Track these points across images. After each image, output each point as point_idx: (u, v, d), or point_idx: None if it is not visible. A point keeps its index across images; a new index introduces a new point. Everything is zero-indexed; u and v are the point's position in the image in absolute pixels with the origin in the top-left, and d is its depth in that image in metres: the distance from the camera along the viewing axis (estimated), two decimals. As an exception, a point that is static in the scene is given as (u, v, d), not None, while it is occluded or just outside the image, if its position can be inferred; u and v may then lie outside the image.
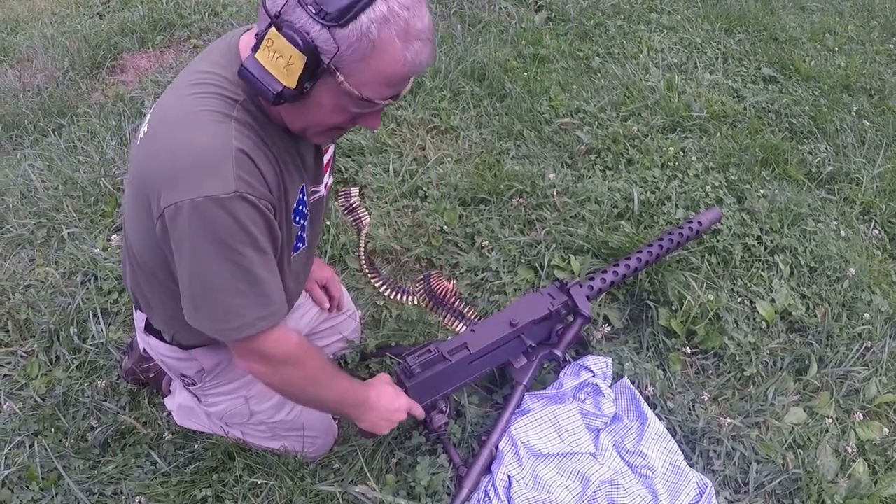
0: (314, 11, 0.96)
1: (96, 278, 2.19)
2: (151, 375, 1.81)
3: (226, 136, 1.05)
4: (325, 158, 1.38)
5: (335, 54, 0.98)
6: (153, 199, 1.08)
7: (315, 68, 1.00)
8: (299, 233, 1.33)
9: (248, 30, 1.16)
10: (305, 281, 1.58)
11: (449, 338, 1.65)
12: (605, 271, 1.80)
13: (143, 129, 1.17)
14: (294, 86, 1.01)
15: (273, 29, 0.98)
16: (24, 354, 2.01)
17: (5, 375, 1.97)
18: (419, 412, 1.51)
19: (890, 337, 2.01)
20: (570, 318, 1.75)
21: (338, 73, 1.01)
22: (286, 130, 1.17)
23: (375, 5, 0.96)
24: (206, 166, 1.03)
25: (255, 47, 1.02)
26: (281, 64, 0.99)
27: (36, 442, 1.75)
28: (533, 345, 1.65)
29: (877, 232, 2.46)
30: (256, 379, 1.28)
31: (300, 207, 1.29)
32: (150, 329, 1.43)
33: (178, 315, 1.21)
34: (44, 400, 1.87)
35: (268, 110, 1.13)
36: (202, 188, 1.02)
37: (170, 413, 1.79)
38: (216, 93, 1.09)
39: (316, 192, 1.36)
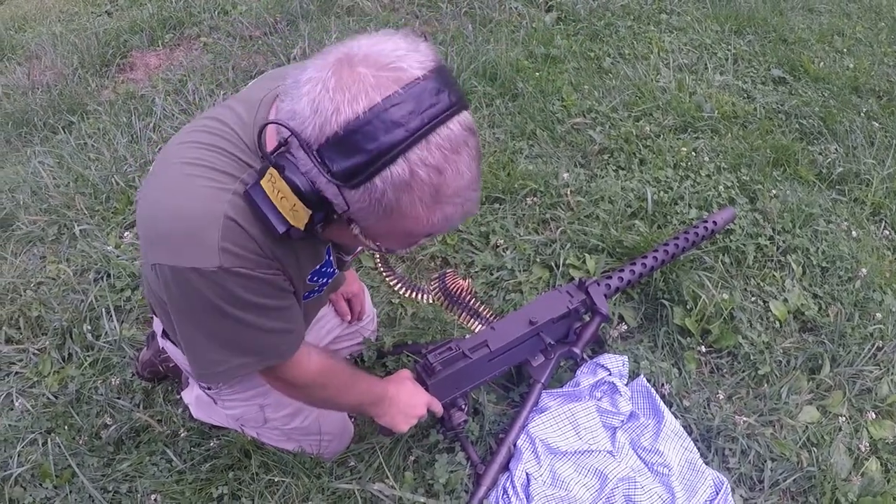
0: (318, 161, 0.81)
1: (109, 275, 2.19)
2: (171, 365, 1.79)
3: (218, 201, 0.92)
4: None
5: (346, 211, 0.86)
6: (144, 246, 1.02)
7: (326, 216, 0.89)
8: (315, 289, 1.23)
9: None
10: (318, 312, 1.56)
11: (466, 336, 1.65)
12: (622, 270, 1.80)
13: (153, 165, 1.09)
14: (302, 228, 0.89)
15: (273, 168, 0.85)
16: (36, 352, 2.01)
17: (17, 373, 1.97)
18: (438, 408, 1.51)
19: (901, 337, 2.02)
20: (588, 317, 1.75)
21: (353, 225, 0.90)
22: None
23: (394, 168, 0.80)
24: (186, 234, 0.92)
25: (260, 174, 0.89)
26: (286, 205, 0.87)
27: (49, 439, 1.74)
28: (551, 343, 1.65)
29: (887, 233, 2.46)
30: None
31: (324, 269, 1.18)
32: (167, 335, 1.40)
33: None
34: (56, 397, 1.86)
35: None
36: (182, 258, 0.92)
37: (185, 409, 1.78)
38: (223, 152, 0.97)
39: (345, 258, 1.28)
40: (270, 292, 1.01)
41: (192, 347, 1.06)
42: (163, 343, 1.46)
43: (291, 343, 1.12)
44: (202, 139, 0.98)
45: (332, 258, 1.19)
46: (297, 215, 0.87)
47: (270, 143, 0.91)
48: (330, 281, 1.26)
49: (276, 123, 0.83)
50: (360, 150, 0.78)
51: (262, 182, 0.88)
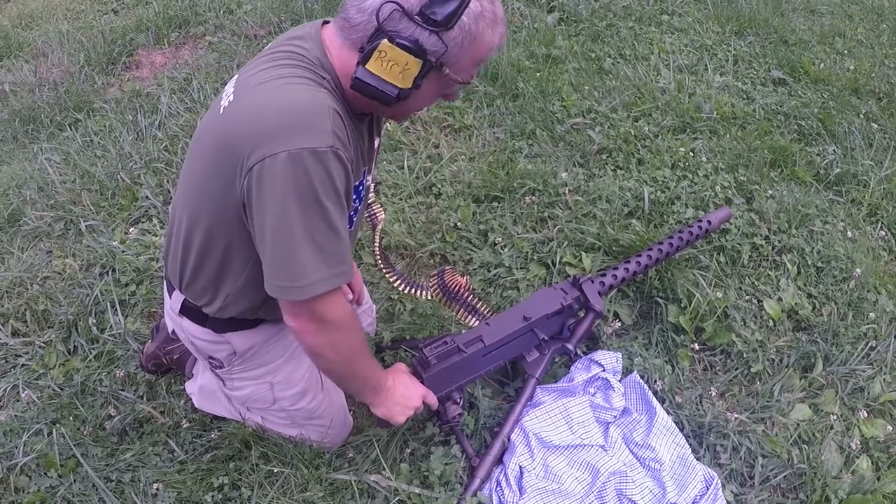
0: (422, 21, 1.09)
1: (114, 270, 2.22)
2: (176, 357, 1.83)
3: (322, 96, 1.13)
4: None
5: (443, 53, 1.12)
6: (241, 157, 1.11)
7: (426, 67, 1.13)
8: (351, 213, 1.35)
9: (325, 22, 1.25)
10: None
11: (463, 331, 1.68)
12: (616, 268, 1.83)
13: (226, 100, 1.21)
14: (409, 86, 1.15)
15: (386, 41, 1.10)
16: (42, 344, 2.04)
17: (23, 365, 2.00)
18: (433, 401, 1.55)
19: (895, 337, 2.04)
20: (583, 314, 1.78)
21: (444, 67, 1.16)
22: (356, 116, 1.26)
23: (472, 4, 1.10)
24: (305, 120, 1.09)
25: (365, 59, 1.12)
26: (396, 70, 1.12)
27: (54, 430, 1.77)
28: (545, 338, 1.69)
29: (883, 233, 2.48)
30: (301, 341, 1.27)
31: (360, 187, 1.34)
32: (184, 311, 1.44)
33: (237, 280, 1.29)
34: (62, 389, 1.90)
35: (348, 97, 1.22)
36: (300, 140, 1.07)
37: (187, 401, 1.82)
38: (305, 66, 1.18)
39: (367, 180, 1.41)
40: (347, 189, 1.17)
41: (285, 250, 1.13)
42: (176, 324, 1.49)
43: (350, 262, 1.23)
44: (280, 63, 1.18)
45: (364, 181, 1.36)
46: (408, 73, 1.12)
47: (334, 46, 1.19)
48: (358, 211, 1.42)
49: (391, 4, 1.08)
50: None
51: (367, 65, 1.12)
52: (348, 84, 1.18)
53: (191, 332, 1.47)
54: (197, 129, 1.33)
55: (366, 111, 1.29)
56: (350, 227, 1.39)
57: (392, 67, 1.11)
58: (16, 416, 1.84)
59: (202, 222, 1.27)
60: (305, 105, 1.10)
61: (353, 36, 1.14)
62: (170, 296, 1.48)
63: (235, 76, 1.27)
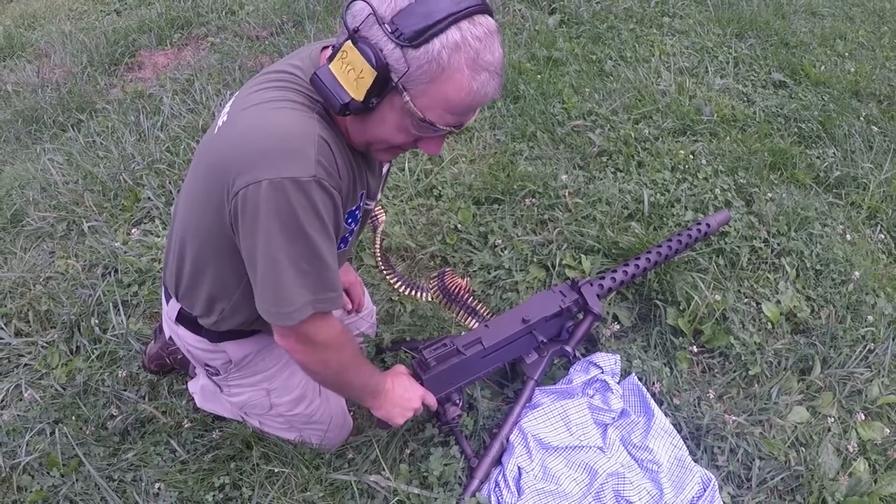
0: (390, 30, 1.01)
1: (116, 271, 2.24)
2: (179, 357, 1.83)
3: (309, 123, 1.10)
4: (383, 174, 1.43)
5: (404, 74, 1.03)
6: (229, 181, 1.11)
7: (383, 85, 1.05)
8: (346, 234, 1.35)
9: (326, 47, 1.22)
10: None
11: (463, 333, 1.69)
12: (615, 271, 1.84)
13: (221, 119, 1.22)
14: (361, 99, 1.06)
15: (349, 42, 1.04)
16: (44, 344, 2.06)
17: (26, 364, 2.02)
18: (433, 402, 1.55)
19: (893, 339, 2.04)
20: (581, 316, 1.79)
21: (405, 93, 1.05)
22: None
23: (449, 32, 1.00)
24: (288, 148, 1.07)
25: (331, 58, 1.08)
26: (352, 77, 1.05)
27: (57, 429, 1.79)
28: (544, 341, 1.69)
29: (882, 236, 2.48)
30: (292, 358, 1.29)
31: (356, 212, 1.32)
32: (180, 319, 1.46)
33: (232, 297, 1.29)
34: (64, 389, 1.91)
35: (336, 121, 1.18)
36: (282, 169, 1.05)
37: (189, 401, 1.83)
38: (298, 90, 1.15)
39: (369, 205, 1.40)
40: (334, 219, 1.15)
41: (271, 277, 1.13)
42: (172, 331, 1.51)
43: (339, 290, 1.21)
44: (273, 86, 1.16)
45: (361, 205, 1.33)
46: (362, 82, 1.04)
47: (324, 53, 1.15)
48: (354, 233, 1.39)
49: (368, 7, 1.02)
50: (425, 15, 0.99)
51: (331, 64, 1.07)
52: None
53: (186, 340, 1.48)
54: (199, 145, 1.35)
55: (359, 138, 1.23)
56: (344, 248, 1.38)
57: (349, 72, 1.05)
58: (19, 415, 1.85)
59: (197, 240, 1.29)
60: (291, 132, 1.08)
61: (339, 41, 1.10)
62: (167, 303, 1.49)
63: (235, 93, 1.27)
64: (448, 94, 1.05)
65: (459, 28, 1.01)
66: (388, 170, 1.49)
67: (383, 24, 1.01)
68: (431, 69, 1.02)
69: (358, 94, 1.05)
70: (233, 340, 1.46)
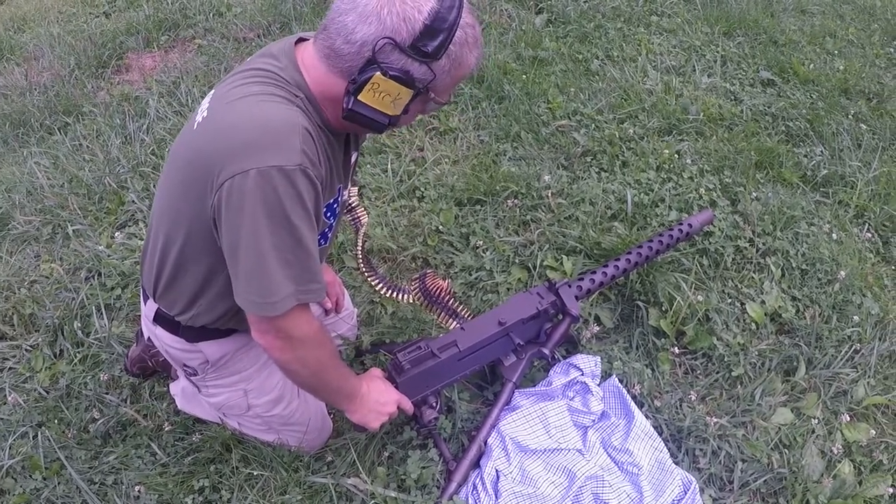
0: (413, 53, 1.12)
1: (100, 274, 2.23)
2: (161, 359, 1.84)
3: (293, 115, 1.15)
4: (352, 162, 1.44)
5: (431, 80, 1.17)
6: (212, 173, 1.12)
7: (416, 95, 1.19)
8: (325, 230, 1.38)
9: (301, 39, 1.27)
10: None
11: (440, 335, 1.68)
12: (594, 272, 1.83)
13: (200, 115, 1.24)
14: (399, 113, 1.21)
15: (379, 74, 1.13)
16: (28, 348, 2.06)
17: (10, 368, 2.02)
18: (408, 406, 1.55)
19: (879, 339, 2.03)
20: (559, 318, 1.79)
21: (430, 92, 1.20)
22: (333, 133, 1.28)
23: (458, 33, 1.15)
24: (275, 138, 1.10)
25: (358, 90, 1.15)
26: (388, 101, 1.17)
27: (39, 433, 1.79)
28: (522, 343, 1.69)
29: (870, 235, 2.48)
30: (270, 356, 1.29)
31: (334, 205, 1.36)
32: (158, 320, 1.46)
33: (212, 290, 1.30)
34: (47, 392, 1.91)
35: (323, 113, 1.23)
36: (269, 158, 1.08)
37: (169, 404, 1.83)
38: (278, 84, 1.19)
39: (344, 195, 1.42)
40: (316, 208, 1.19)
41: (256, 266, 1.15)
42: (150, 332, 1.51)
43: (321, 281, 1.23)
44: (253, 81, 1.19)
45: (339, 198, 1.38)
46: (400, 101, 1.18)
47: (313, 68, 1.20)
48: (333, 227, 1.43)
49: (384, 38, 1.11)
50: (441, 30, 1.12)
51: (360, 96, 1.15)
52: (328, 105, 1.21)
53: (164, 341, 1.48)
54: (174, 143, 1.35)
55: (347, 130, 1.30)
56: (325, 244, 1.40)
57: (384, 98, 1.16)
58: (2, 418, 1.85)
59: (177, 236, 1.29)
60: (276, 123, 1.12)
61: (342, 65, 1.16)
62: (145, 303, 1.49)
63: (212, 91, 1.28)
64: (459, 77, 1.23)
65: (462, 27, 1.14)
66: (357, 159, 1.50)
67: (405, 48, 1.11)
68: (452, 67, 1.18)
69: (396, 111, 1.20)
70: (210, 340, 1.46)
